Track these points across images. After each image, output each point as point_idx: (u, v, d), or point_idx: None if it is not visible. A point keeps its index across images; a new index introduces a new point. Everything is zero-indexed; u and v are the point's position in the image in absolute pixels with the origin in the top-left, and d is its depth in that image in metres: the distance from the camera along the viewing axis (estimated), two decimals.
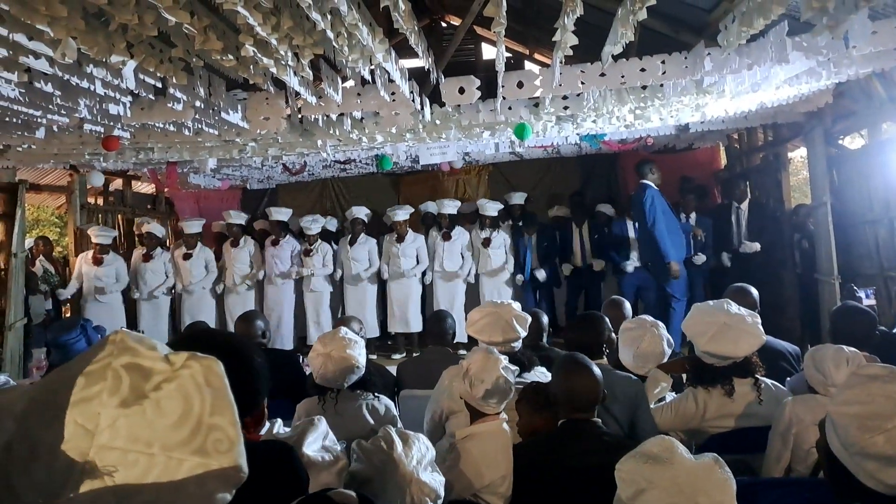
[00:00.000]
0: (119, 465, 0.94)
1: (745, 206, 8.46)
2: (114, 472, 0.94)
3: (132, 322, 9.19)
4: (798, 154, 10.15)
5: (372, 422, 3.47)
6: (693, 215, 8.62)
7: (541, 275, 9.13)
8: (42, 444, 0.95)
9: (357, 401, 3.53)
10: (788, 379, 3.95)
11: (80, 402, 0.97)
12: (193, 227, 9.53)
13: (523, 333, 3.70)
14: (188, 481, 0.97)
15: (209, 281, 9.52)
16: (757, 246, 8.12)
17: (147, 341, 1.05)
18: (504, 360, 3.10)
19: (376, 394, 3.66)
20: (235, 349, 1.96)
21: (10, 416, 1.00)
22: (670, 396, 3.88)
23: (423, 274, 9.48)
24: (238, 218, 9.67)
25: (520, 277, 9.22)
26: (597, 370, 2.90)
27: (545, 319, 4.68)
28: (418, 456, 2.26)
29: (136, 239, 10.39)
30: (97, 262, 8.75)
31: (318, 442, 2.39)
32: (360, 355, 3.49)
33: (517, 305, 3.87)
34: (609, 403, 3.38)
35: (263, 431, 2.74)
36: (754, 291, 4.69)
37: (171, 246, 10.55)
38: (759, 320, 3.51)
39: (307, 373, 4.80)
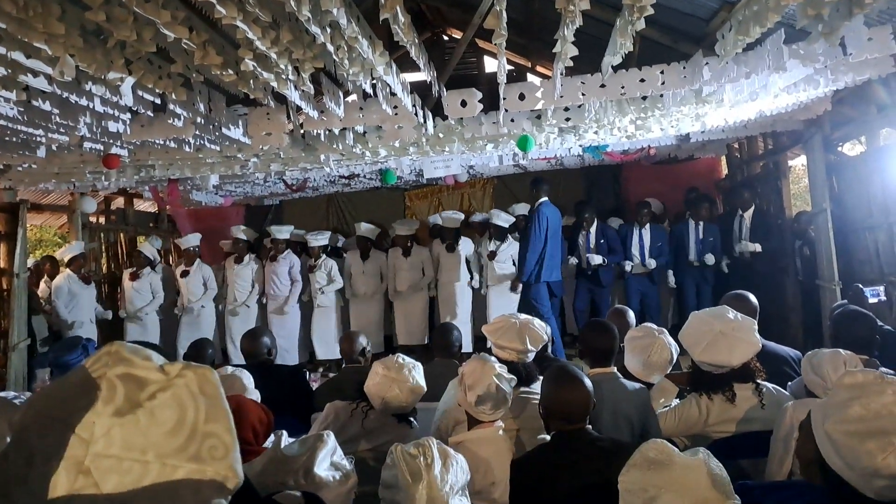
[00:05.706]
0: (114, 472, 0.95)
1: (748, 214, 8.44)
2: (109, 479, 0.94)
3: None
4: (798, 162, 10.17)
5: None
6: (701, 224, 8.65)
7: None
8: (38, 454, 0.96)
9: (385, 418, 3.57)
10: (790, 384, 3.93)
11: (75, 412, 0.97)
12: (189, 241, 9.49)
13: (533, 349, 3.72)
14: (183, 488, 0.97)
15: (207, 298, 9.41)
16: (757, 246, 8.12)
17: (142, 352, 1.06)
18: (498, 367, 3.13)
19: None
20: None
21: (6, 427, 1.01)
22: (673, 402, 3.88)
23: (429, 286, 9.52)
24: (244, 234, 9.58)
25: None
26: (587, 381, 2.88)
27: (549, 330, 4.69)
28: (452, 480, 2.19)
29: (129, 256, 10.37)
30: (86, 280, 8.71)
31: (328, 459, 2.35)
32: (423, 381, 3.57)
33: (539, 323, 3.88)
34: (624, 413, 3.41)
35: (269, 444, 2.73)
36: (753, 298, 4.61)
37: (172, 263, 10.56)
38: (756, 326, 3.52)
39: (314, 388, 4.84)
